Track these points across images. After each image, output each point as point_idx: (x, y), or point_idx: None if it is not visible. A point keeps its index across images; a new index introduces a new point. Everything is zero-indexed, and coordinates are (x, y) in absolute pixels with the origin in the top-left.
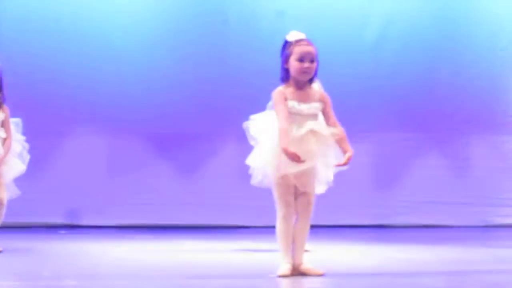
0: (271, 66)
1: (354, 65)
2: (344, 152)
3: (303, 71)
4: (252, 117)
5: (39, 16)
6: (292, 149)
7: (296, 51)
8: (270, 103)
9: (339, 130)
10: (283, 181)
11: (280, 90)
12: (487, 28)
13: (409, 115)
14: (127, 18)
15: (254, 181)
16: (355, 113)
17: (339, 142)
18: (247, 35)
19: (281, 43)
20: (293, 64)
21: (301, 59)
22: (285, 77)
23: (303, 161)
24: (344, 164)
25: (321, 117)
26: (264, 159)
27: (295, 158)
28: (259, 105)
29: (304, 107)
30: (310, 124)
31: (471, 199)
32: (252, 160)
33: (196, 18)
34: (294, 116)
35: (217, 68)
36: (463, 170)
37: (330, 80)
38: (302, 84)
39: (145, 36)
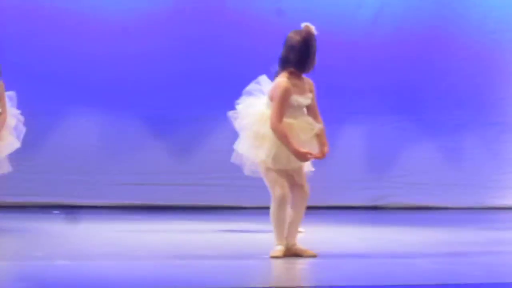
0: (259, 50)
1: (347, 47)
2: (321, 145)
3: None
4: (238, 106)
5: None
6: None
7: (315, 46)
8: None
9: (319, 123)
10: (276, 169)
11: (289, 87)
12: (476, 10)
13: (402, 98)
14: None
15: (247, 171)
16: (348, 94)
17: (319, 135)
18: (243, 17)
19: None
20: (315, 59)
21: None
22: (304, 68)
23: (312, 157)
24: (320, 158)
25: None
26: (255, 150)
27: (307, 156)
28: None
29: (302, 99)
30: (315, 126)
31: (465, 180)
32: (241, 149)
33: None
34: (293, 109)
35: (209, 48)
36: (455, 152)
37: (324, 62)
38: (301, 76)
39: (143, 17)
